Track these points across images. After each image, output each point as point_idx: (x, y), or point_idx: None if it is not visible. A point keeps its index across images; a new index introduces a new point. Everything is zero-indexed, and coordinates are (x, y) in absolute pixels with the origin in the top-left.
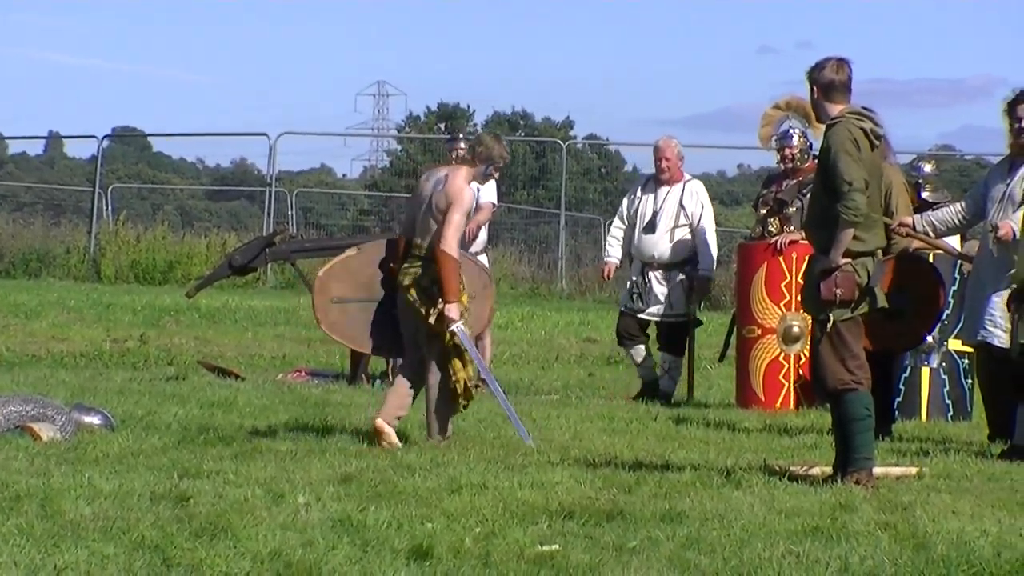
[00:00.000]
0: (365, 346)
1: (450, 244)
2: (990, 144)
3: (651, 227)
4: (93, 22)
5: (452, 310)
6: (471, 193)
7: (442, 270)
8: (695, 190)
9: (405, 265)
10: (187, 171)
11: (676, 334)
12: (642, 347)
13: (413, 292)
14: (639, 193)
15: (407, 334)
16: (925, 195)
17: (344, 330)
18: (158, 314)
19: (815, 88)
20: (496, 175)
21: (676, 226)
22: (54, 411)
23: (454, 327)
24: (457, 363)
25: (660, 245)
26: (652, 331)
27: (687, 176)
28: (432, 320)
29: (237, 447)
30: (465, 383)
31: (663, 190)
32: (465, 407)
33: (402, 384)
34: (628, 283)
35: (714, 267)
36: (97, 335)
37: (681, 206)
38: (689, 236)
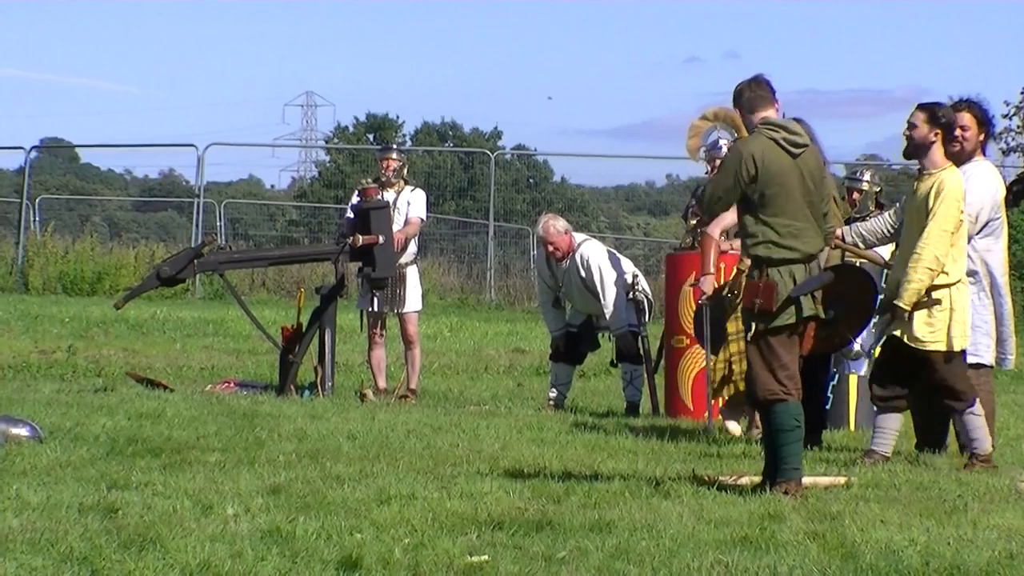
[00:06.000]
0: None
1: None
2: None
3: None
4: (19, 33)
5: (704, 282)
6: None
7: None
8: (584, 260)
9: None
10: (115, 182)
11: (628, 344)
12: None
13: None
14: (547, 271)
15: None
16: (881, 201)
17: None
18: (86, 325)
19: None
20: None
21: (588, 290)
22: None
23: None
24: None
25: (590, 309)
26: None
27: (576, 241)
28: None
29: (166, 458)
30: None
31: (563, 265)
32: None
33: None
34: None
35: (623, 323)
36: (24, 346)
37: (581, 280)
38: (609, 288)
